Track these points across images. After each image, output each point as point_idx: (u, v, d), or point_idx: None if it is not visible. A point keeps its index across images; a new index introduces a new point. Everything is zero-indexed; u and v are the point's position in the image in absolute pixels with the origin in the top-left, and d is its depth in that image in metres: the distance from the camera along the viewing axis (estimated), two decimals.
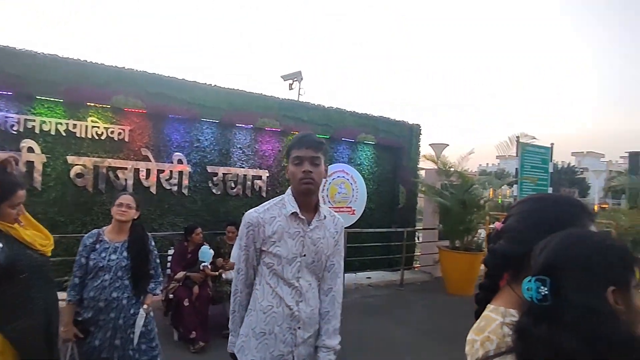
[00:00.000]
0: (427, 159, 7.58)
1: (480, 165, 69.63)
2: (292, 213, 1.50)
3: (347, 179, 7.22)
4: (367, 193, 7.47)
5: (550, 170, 8.30)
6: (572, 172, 46.46)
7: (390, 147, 7.75)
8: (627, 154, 25.43)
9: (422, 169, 8.23)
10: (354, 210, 7.26)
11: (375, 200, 7.60)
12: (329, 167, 7.01)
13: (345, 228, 1.71)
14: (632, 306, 0.70)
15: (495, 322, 0.85)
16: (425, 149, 8.35)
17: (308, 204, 1.54)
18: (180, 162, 5.69)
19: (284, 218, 1.51)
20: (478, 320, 0.91)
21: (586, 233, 0.80)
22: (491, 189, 7.88)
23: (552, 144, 8.55)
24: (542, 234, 0.81)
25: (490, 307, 0.91)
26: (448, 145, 9.06)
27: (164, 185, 5.53)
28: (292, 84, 9.55)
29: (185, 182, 5.68)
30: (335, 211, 1.93)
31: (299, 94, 9.36)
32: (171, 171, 5.61)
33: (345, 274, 6.10)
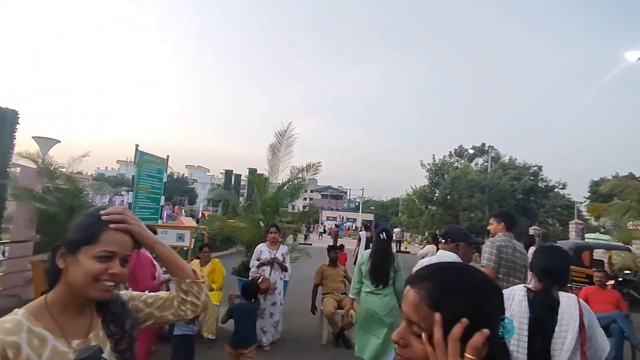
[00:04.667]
0: (24, 157, 6.11)
1: (98, 168, 65.36)
2: None
3: None
4: None
5: (165, 180, 8.99)
6: (185, 182, 52.97)
7: None
8: (224, 171, 31.92)
9: (19, 165, 6.58)
10: None
11: None
12: None
13: None
14: None
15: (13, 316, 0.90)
16: (26, 142, 6.79)
17: None
18: None
19: None
20: None
21: None
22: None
23: (168, 155, 9.33)
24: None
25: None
26: (59, 141, 7.84)
27: None
28: None
29: None
30: None
31: None
32: None
33: None
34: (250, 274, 4.93)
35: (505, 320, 0.74)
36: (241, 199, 15.31)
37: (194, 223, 10.62)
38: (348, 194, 67.24)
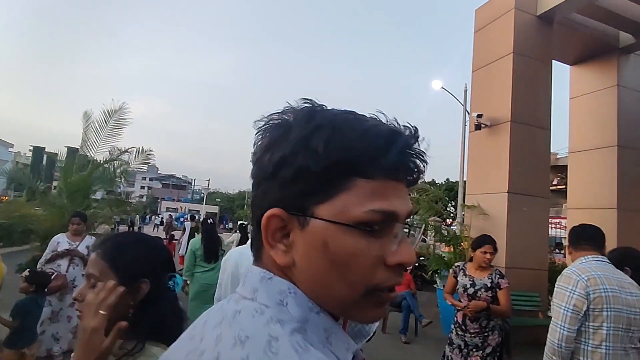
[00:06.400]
0: None
1: None
2: None
3: None
4: None
5: None
6: None
7: None
8: (33, 147, 26.10)
9: None
10: None
11: None
12: None
13: None
14: None
15: None
16: None
17: None
18: None
19: None
20: None
21: None
22: None
23: None
24: None
25: None
26: None
27: None
28: None
29: None
30: None
31: None
32: None
33: None
34: (38, 267, 4.08)
35: (176, 277, 0.90)
36: (56, 183, 12.85)
37: None
38: (193, 184, 63.89)
